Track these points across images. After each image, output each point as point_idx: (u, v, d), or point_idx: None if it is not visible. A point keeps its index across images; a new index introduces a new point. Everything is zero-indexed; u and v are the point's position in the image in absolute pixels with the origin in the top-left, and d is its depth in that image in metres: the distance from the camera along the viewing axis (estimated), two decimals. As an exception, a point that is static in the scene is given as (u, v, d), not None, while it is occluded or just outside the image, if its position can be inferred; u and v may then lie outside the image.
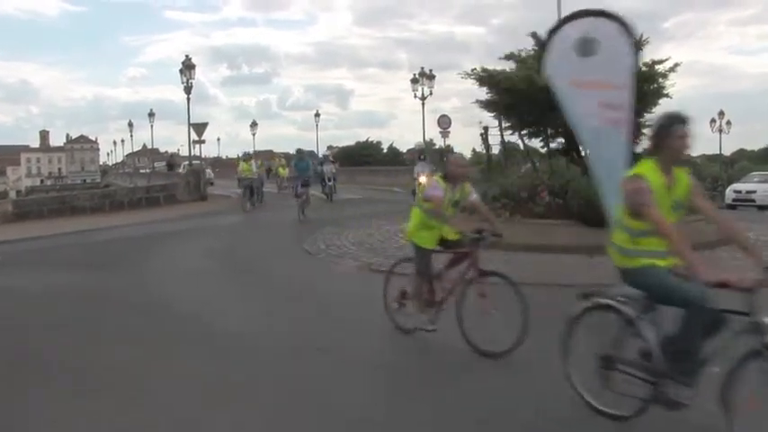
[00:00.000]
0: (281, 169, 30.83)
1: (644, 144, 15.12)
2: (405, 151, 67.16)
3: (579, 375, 4.23)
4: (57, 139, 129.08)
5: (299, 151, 20.16)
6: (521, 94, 12.24)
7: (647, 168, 3.77)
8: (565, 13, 15.29)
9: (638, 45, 12.52)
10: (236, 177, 24.04)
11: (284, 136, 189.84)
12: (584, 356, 4.14)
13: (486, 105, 13.55)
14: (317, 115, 53.49)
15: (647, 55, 12.71)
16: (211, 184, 34.06)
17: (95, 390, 4.92)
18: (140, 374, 5.25)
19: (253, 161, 23.28)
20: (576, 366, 4.24)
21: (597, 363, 4.03)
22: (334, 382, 5.01)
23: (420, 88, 34.31)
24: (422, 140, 37.06)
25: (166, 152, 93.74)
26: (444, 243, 5.88)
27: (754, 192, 23.34)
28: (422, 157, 20.68)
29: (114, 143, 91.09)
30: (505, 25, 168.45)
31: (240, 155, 27.28)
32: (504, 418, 4.27)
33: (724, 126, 39.83)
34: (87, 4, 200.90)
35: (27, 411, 4.56)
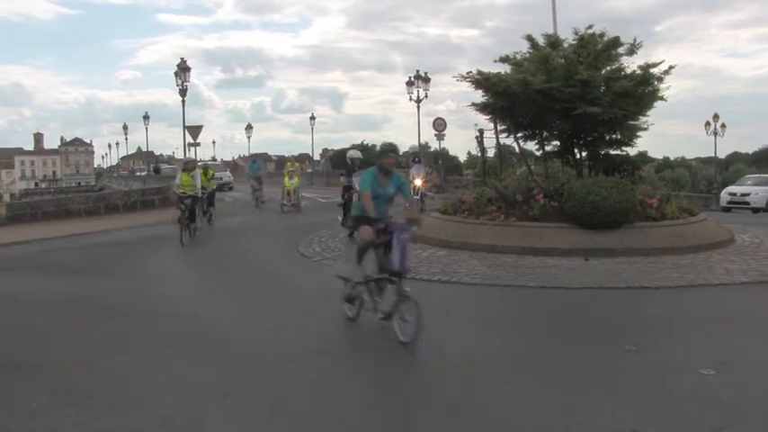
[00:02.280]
0: (293, 179, 21.15)
1: (639, 147, 15.22)
2: (400, 154, 67.24)
3: None
4: (51, 142, 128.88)
5: (390, 152, 9.40)
6: (516, 98, 12.25)
7: None
8: (560, 16, 15.44)
9: (632, 48, 12.61)
10: (173, 192, 15.65)
11: (279, 139, 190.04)
12: None
13: (482, 108, 13.53)
14: (313, 118, 53.28)
15: (641, 58, 12.73)
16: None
17: (89, 396, 4.88)
18: (134, 380, 5.21)
19: (198, 170, 14.84)
20: None
21: None
22: (329, 386, 4.99)
23: (415, 91, 34.39)
24: (416, 143, 37.13)
25: (161, 155, 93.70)
26: None
27: (749, 194, 23.49)
28: (417, 159, 20.66)
29: (109, 146, 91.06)
30: (499, 28, 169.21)
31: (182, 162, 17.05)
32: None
33: (719, 129, 39.92)
34: (80, 8, 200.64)
35: (19, 418, 4.52)
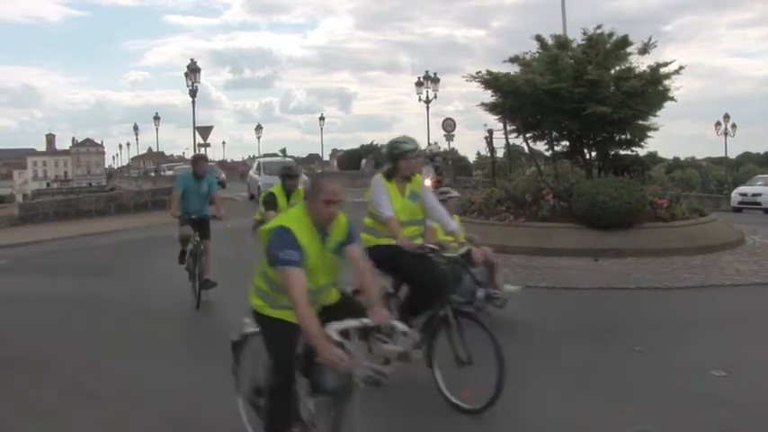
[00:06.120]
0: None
1: (649, 147, 15.12)
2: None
3: None
4: (62, 143, 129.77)
5: None
6: (525, 98, 12.21)
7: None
8: (569, 15, 15.40)
9: (644, 48, 12.53)
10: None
11: (288, 140, 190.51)
12: None
13: (491, 108, 13.49)
14: (322, 119, 53.36)
15: (651, 58, 12.65)
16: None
17: (97, 395, 4.91)
18: (143, 380, 5.24)
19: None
20: None
21: None
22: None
23: (425, 91, 34.33)
24: (427, 144, 37.00)
25: (172, 155, 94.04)
26: None
27: (760, 195, 23.26)
28: (432, 159, 20.60)
29: (120, 146, 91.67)
30: (506, 28, 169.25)
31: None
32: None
33: (729, 129, 39.66)
34: (89, 9, 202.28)
35: (29, 416, 4.55)
